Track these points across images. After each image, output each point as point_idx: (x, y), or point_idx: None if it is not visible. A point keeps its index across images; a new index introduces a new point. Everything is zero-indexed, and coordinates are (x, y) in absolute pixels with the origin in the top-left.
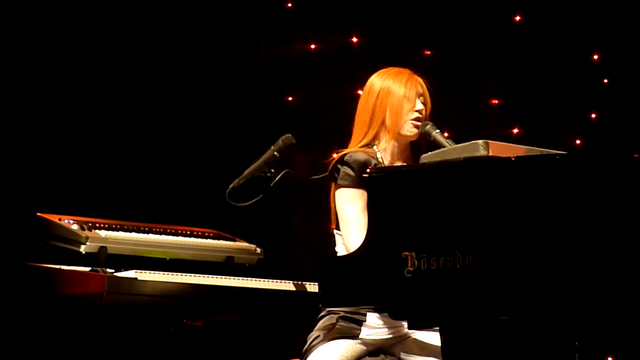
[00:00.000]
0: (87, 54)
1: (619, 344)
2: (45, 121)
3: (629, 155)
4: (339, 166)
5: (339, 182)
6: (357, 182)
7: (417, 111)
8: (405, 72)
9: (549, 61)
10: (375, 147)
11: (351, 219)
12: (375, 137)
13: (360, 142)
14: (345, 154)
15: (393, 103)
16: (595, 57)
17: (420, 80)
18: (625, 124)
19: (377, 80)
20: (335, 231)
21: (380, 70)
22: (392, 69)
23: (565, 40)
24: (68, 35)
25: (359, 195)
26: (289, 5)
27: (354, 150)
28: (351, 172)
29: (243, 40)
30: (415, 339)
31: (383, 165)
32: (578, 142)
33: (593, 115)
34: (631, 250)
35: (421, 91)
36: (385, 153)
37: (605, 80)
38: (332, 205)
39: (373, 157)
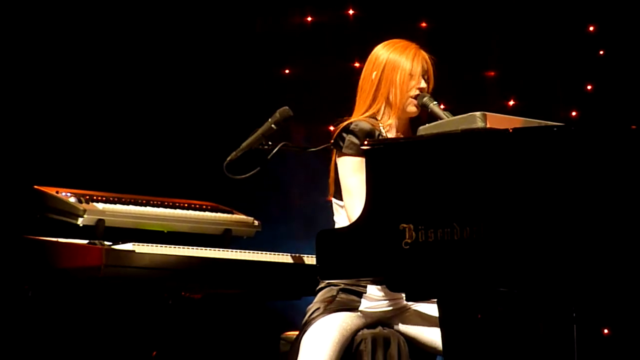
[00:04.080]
0: (83, 33)
1: (616, 316)
2: (43, 95)
3: (626, 126)
4: (344, 134)
5: (344, 150)
6: (362, 151)
7: (420, 89)
8: (412, 47)
9: (544, 33)
10: (378, 120)
11: (355, 189)
12: (379, 111)
13: (364, 113)
14: (350, 123)
15: (398, 79)
16: (591, 28)
17: (426, 56)
18: (621, 95)
19: (383, 53)
20: (334, 200)
21: (386, 42)
22: (399, 41)
23: (561, 12)
24: (63, 17)
25: (363, 164)
26: None
27: (360, 119)
28: (356, 141)
29: (239, 13)
30: (414, 311)
31: (382, 137)
32: (574, 113)
33: (589, 87)
34: (629, 223)
35: (426, 68)
36: (388, 127)
37: (601, 52)
38: (331, 174)
39: (377, 129)
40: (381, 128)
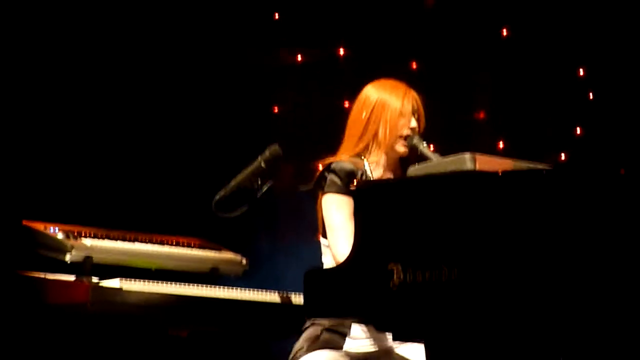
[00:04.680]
0: (73, 62)
1: None
2: (33, 128)
3: (615, 170)
4: (326, 174)
5: (326, 189)
6: (343, 190)
7: (411, 129)
8: (402, 87)
9: (535, 75)
10: (364, 159)
11: (338, 226)
12: (366, 149)
13: (350, 151)
14: (331, 163)
15: (388, 118)
16: (581, 72)
17: (416, 95)
18: (610, 139)
19: (373, 92)
20: (321, 240)
21: (376, 81)
22: (389, 81)
23: (551, 55)
24: (49, 50)
25: (345, 202)
26: (276, 16)
27: (341, 159)
28: (337, 180)
29: (231, 50)
30: (398, 354)
31: (370, 178)
32: (563, 157)
33: (578, 130)
34: (618, 267)
35: (416, 107)
36: (374, 166)
37: (591, 96)
38: (318, 214)
39: (360, 168)
40: (366, 167)
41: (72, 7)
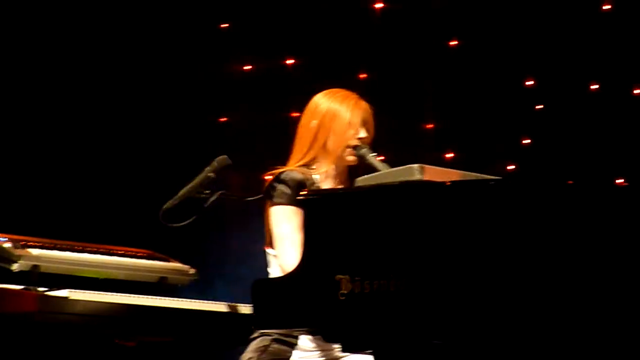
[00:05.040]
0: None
1: None
2: None
3: (563, 182)
4: (275, 184)
5: (275, 200)
6: (292, 200)
7: (360, 139)
8: (352, 97)
9: (483, 86)
10: (313, 169)
11: (286, 237)
12: (315, 159)
13: (299, 161)
14: (281, 172)
15: (337, 128)
16: (529, 83)
17: (366, 106)
18: (558, 149)
19: (323, 101)
20: (268, 250)
21: (327, 91)
22: (339, 90)
23: (500, 66)
24: None
25: (294, 213)
26: (224, 26)
27: (291, 168)
28: (287, 190)
29: (179, 60)
30: None
31: (319, 188)
32: (511, 167)
33: (526, 141)
34: (563, 277)
35: (366, 118)
36: (323, 176)
37: (538, 107)
38: (266, 224)
39: (309, 178)
40: (315, 177)
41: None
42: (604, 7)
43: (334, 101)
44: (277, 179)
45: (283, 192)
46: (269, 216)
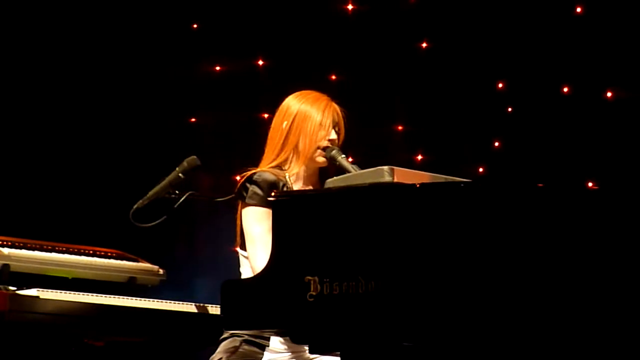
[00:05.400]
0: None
1: None
2: None
3: (533, 184)
4: (248, 185)
5: (247, 200)
6: (265, 202)
7: (330, 140)
8: (323, 99)
9: (453, 88)
10: (285, 170)
11: (257, 239)
12: (286, 160)
13: (270, 163)
14: (254, 173)
15: (308, 129)
16: (500, 85)
17: (337, 108)
18: (528, 152)
19: (295, 103)
20: (239, 251)
21: (298, 93)
22: (310, 92)
23: (470, 68)
24: None
25: (266, 214)
26: (195, 26)
27: (263, 170)
28: (259, 192)
29: (149, 60)
30: None
31: (290, 189)
32: (481, 170)
33: (497, 144)
34: (532, 279)
35: (337, 120)
36: (295, 177)
37: (509, 109)
38: (237, 224)
39: (282, 179)
40: (287, 178)
41: None
42: (577, 10)
43: (305, 103)
44: (249, 179)
45: (255, 193)
46: (240, 217)
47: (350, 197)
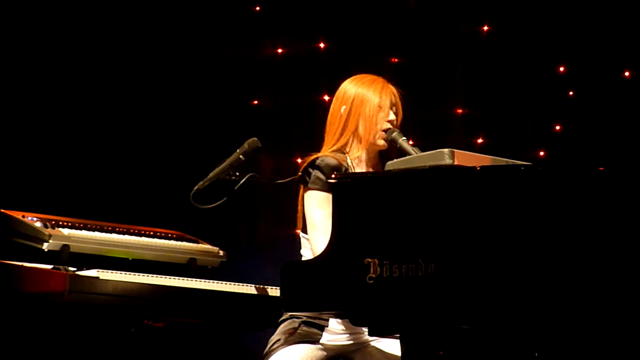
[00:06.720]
0: (53, 57)
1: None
2: (11, 118)
3: (594, 168)
4: (310, 169)
5: (310, 185)
6: (327, 187)
7: (389, 121)
8: (379, 81)
9: (515, 72)
10: (347, 154)
11: (319, 223)
12: (347, 144)
13: (331, 147)
14: (316, 158)
15: (366, 112)
16: (561, 69)
17: (394, 89)
18: (589, 136)
19: (351, 87)
20: (301, 234)
21: (354, 77)
22: (366, 76)
23: (532, 52)
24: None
25: (328, 199)
26: (257, 9)
27: (326, 154)
28: (322, 176)
29: (211, 43)
30: (375, 347)
31: (350, 172)
32: (542, 153)
33: (557, 127)
34: (594, 262)
35: (394, 101)
36: (357, 161)
37: (571, 93)
38: (299, 207)
39: (344, 163)
40: (349, 161)
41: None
42: None
43: (361, 86)
44: (312, 164)
45: (317, 178)
46: (302, 200)
47: (410, 179)
